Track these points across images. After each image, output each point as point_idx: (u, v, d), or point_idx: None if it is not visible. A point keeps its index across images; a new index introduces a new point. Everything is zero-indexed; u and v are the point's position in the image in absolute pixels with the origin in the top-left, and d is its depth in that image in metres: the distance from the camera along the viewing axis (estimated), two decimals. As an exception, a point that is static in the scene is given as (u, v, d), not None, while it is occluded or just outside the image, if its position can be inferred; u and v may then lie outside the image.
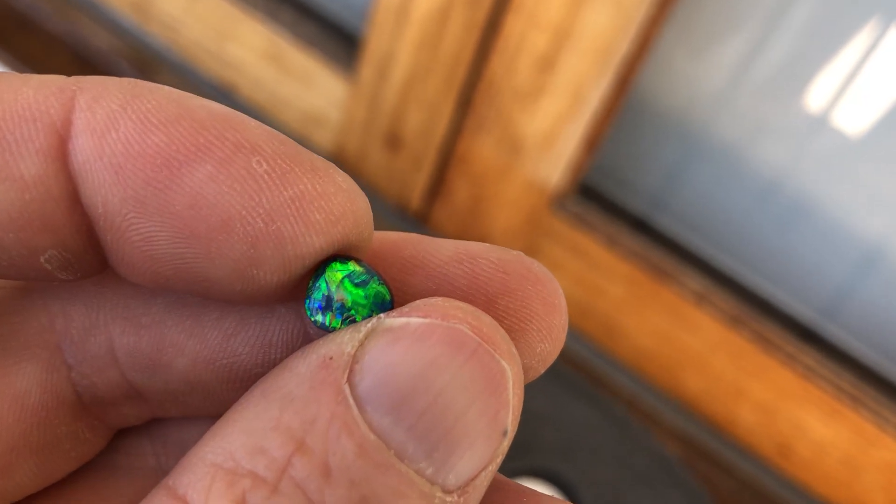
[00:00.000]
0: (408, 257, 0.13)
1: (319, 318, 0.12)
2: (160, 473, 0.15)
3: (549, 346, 0.13)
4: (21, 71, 0.59)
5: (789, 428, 0.52)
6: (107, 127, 0.11)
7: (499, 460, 0.12)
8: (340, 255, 0.13)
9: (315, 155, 0.12)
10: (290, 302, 0.13)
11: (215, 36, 0.61)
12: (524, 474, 0.42)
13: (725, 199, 0.53)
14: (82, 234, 0.12)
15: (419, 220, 0.60)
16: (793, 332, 0.51)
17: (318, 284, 0.12)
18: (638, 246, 0.52)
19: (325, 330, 0.12)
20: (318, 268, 0.13)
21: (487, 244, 0.13)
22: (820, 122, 0.49)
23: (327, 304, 0.12)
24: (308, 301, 0.13)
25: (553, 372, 0.49)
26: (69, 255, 0.12)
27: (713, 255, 0.54)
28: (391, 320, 0.11)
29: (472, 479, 0.11)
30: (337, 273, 0.12)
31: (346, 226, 0.12)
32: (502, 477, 0.14)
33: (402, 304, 0.13)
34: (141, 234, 0.12)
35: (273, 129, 0.12)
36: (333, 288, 0.12)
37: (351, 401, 0.11)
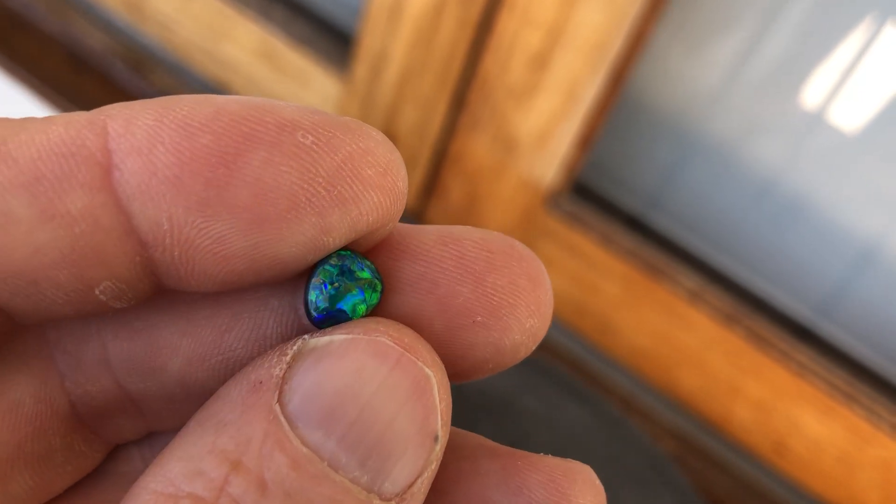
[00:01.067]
0: (394, 244, 0.14)
1: (315, 313, 0.13)
2: None
3: (538, 321, 0.13)
4: (15, 71, 0.59)
5: (784, 425, 0.52)
6: (150, 143, 0.11)
7: (434, 466, 0.12)
8: (336, 251, 0.13)
9: (347, 117, 0.12)
10: (284, 294, 0.14)
11: (209, 35, 0.60)
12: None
13: (720, 198, 0.53)
14: (136, 261, 0.12)
15: (414, 219, 0.60)
16: (787, 330, 0.51)
17: (315, 281, 0.13)
18: (633, 244, 0.52)
19: (322, 325, 0.13)
20: (317, 264, 0.13)
21: (469, 227, 0.14)
22: (815, 120, 0.49)
23: (326, 300, 0.13)
24: (307, 298, 0.13)
25: (545, 371, 0.49)
26: (123, 284, 0.12)
27: (708, 253, 0.54)
28: (315, 340, 0.12)
29: (410, 486, 0.12)
30: (330, 270, 0.13)
31: (393, 175, 0.12)
32: (492, 443, 0.14)
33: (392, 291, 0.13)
34: (212, 236, 0.12)
35: (304, 105, 0.12)
36: (329, 285, 0.13)
37: (282, 419, 0.11)
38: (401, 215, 0.13)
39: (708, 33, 0.49)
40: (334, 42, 0.58)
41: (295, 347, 0.12)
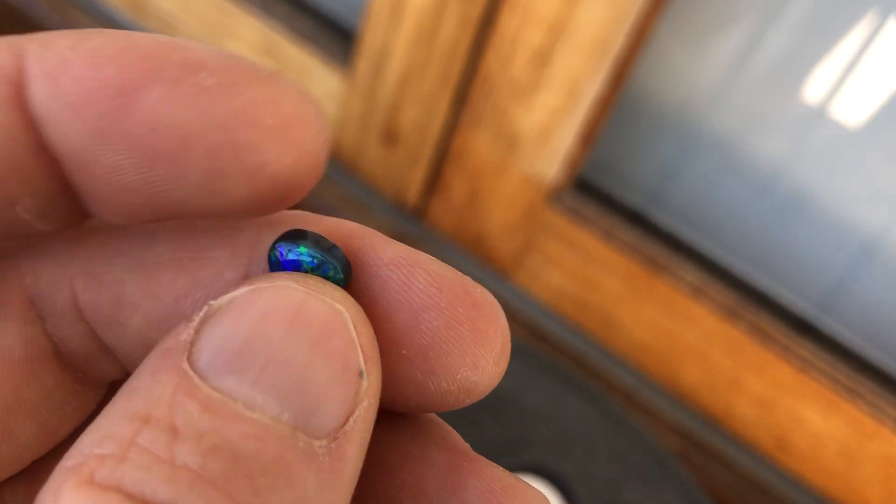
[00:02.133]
0: (353, 248, 0.13)
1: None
2: None
3: (474, 375, 0.13)
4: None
5: (786, 420, 0.52)
6: (59, 68, 0.12)
7: (366, 404, 0.12)
8: (301, 230, 0.13)
9: (263, 66, 0.12)
10: (240, 267, 0.14)
11: (211, 32, 0.60)
12: (519, 470, 0.42)
13: (722, 193, 0.53)
14: (54, 179, 0.12)
15: (416, 216, 0.60)
16: (790, 325, 0.51)
17: (273, 262, 0.13)
18: (634, 239, 0.52)
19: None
20: (278, 239, 0.13)
21: (437, 260, 0.13)
22: (817, 116, 0.49)
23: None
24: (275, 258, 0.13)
25: (547, 367, 0.49)
26: (45, 202, 0.12)
27: (710, 248, 0.54)
28: (219, 300, 0.12)
29: (341, 425, 0.11)
30: (291, 251, 0.13)
31: (300, 128, 0.12)
32: (454, 438, 0.14)
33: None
34: (106, 165, 0.12)
35: (221, 49, 0.12)
36: (289, 267, 0.13)
37: (192, 374, 0.11)
38: (317, 177, 0.13)
39: (710, 29, 0.49)
40: (336, 38, 0.58)
41: (201, 313, 0.12)
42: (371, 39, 0.53)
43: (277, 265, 0.13)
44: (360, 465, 0.12)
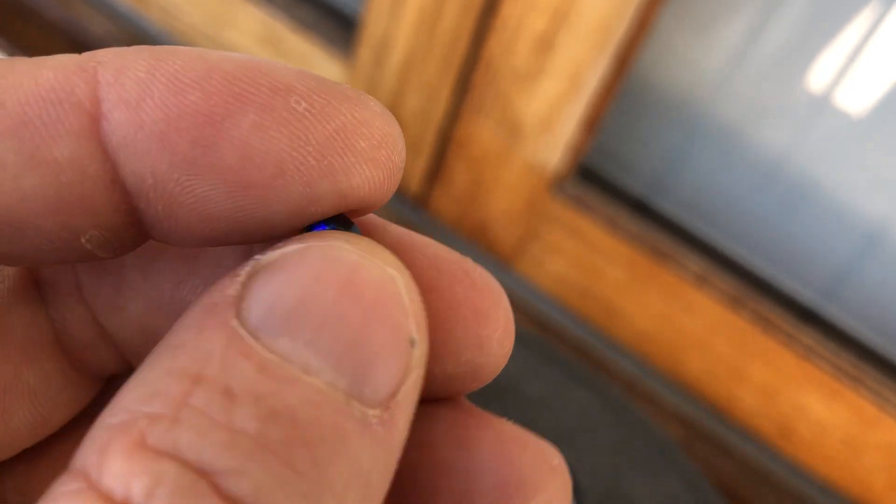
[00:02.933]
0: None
1: None
2: None
3: (479, 357, 0.13)
4: (17, 55, 0.59)
5: (790, 409, 0.52)
6: (140, 96, 0.11)
7: (415, 375, 0.11)
8: (333, 217, 0.13)
9: (345, 85, 0.12)
10: (240, 255, 0.13)
11: (213, 21, 0.60)
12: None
13: (726, 181, 0.53)
14: (122, 211, 0.12)
15: (418, 205, 0.59)
16: (793, 314, 0.51)
17: None
18: (638, 228, 0.52)
19: None
20: (314, 224, 0.13)
21: (433, 242, 0.13)
22: (822, 104, 0.48)
23: None
24: None
25: (550, 357, 0.49)
26: (110, 233, 0.12)
27: (714, 237, 0.54)
28: (268, 255, 0.11)
29: (394, 394, 0.11)
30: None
31: (388, 149, 0.12)
32: (468, 402, 0.14)
33: None
34: (196, 195, 0.11)
35: (298, 67, 0.12)
36: None
37: (243, 332, 0.10)
38: (393, 192, 0.13)
39: (714, 16, 0.49)
40: (338, 27, 0.57)
41: (248, 267, 0.11)
42: (372, 27, 0.53)
43: None
44: (406, 435, 0.11)
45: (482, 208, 0.57)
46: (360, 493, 0.10)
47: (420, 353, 0.11)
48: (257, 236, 0.12)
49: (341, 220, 0.13)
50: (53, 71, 0.11)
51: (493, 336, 0.13)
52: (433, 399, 0.14)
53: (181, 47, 0.12)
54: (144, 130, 0.11)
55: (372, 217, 0.14)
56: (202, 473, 0.09)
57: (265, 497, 0.09)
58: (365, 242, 0.12)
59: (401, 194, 0.59)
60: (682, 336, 0.53)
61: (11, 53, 0.60)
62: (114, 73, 0.11)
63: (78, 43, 0.63)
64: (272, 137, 0.11)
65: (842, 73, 0.47)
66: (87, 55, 0.12)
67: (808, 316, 0.52)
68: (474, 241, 0.59)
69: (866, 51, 0.46)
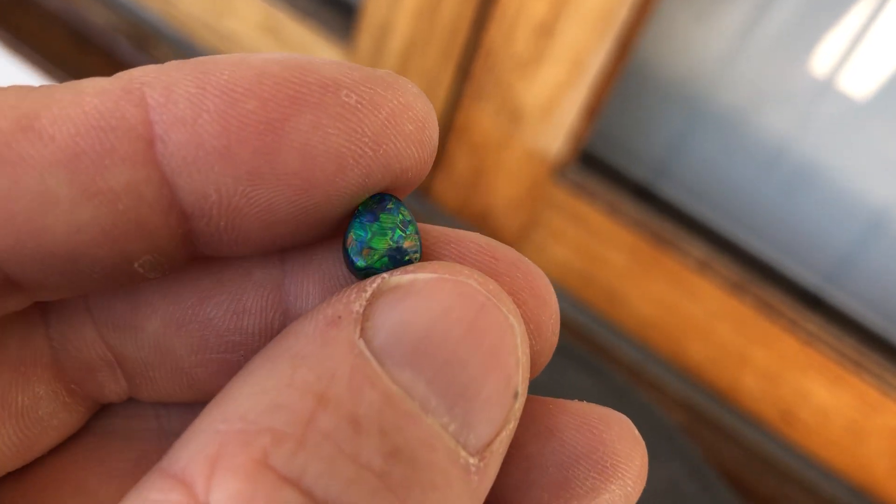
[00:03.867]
0: None
1: (360, 261, 0.12)
2: (162, 436, 0.14)
3: (537, 343, 0.13)
4: (18, 48, 0.59)
5: (792, 394, 0.52)
6: (195, 113, 0.11)
7: (512, 426, 0.11)
8: (386, 195, 0.13)
9: (382, 70, 0.12)
10: (268, 266, 0.13)
11: (212, 9, 0.60)
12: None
13: (728, 166, 0.53)
14: (177, 233, 0.12)
15: (420, 193, 0.59)
16: (796, 299, 0.51)
17: (363, 229, 0.12)
18: (640, 214, 0.51)
19: (361, 272, 0.12)
20: (368, 201, 0.13)
21: (478, 233, 0.13)
22: (825, 88, 0.48)
23: (368, 247, 0.12)
24: (350, 243, 0.12)
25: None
26: (163, 257, 0.12)
27: (716, 222, 0.54)
28: (398, 277, 0.11)
29: (491, 443, 0.11)
30: (391, 219, 0.13)
31: (430, 129, 0.12)
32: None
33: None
34: (260, 205, 0.11)
35: (338, 60, 0.12)
36: (386, 232, 0.12)
37: (368, 354, 0.10)
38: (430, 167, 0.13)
39: (715, 0, 0.49)
40: (337, 14, 0.57)
41: (375, 284, 0.11)
42: (372, 14, 0.53)
43: (369, 226, 0.12)
44: (493, 480, 0.11)
45: (484, 195, 0.57)
46: None
47: (519, 406, 0.11)
48: (313, 235, 0.12)
49: (391, 199, 0.13)
50: (99, 98, 0.11)
51: (550, 321, 0.13)
52: None
53: (220, 56, 0.11)
54: (205, 147, 0.11)
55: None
56: None
57: None
58: (492, 284, 0.11)
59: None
60: (685, 322, 0.53)
61: (10, 44, 0.60)
62: (163, 92, 0.11)
63: (77, 32, 0.62)
64: (330, 135, 0.11)
65: (845, 56, 0.47)
66: (126, 76, 0.11)
67: (811, 301, 0.52)
68: (476, 228, 0.58)
69: (869, 34, 0.46)
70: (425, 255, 0.13)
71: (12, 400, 0.13)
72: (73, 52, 0.61)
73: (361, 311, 0.11)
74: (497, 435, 0.11)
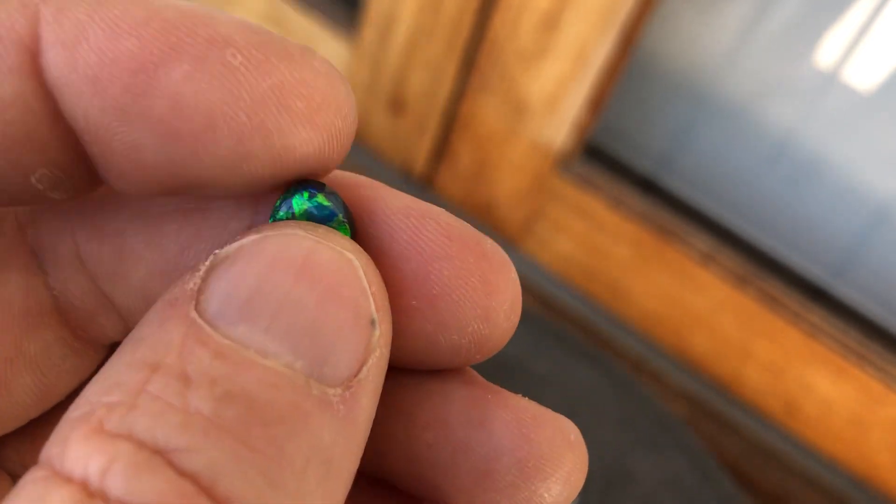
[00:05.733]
0: (361, 197, 0.13)
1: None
2: None
3: (485, 328, 0.13)
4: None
5: (796, 387, 0.52)
6: (77, 38, 0.11)
7: (378, 354, 0.11)
8: (311, 182, 0.13)
9: (291, 41, 0.12)
10: (245, 218, 0.13)
11: (216, 0, 0.60)
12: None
13: (733, 159, 0.53)
14: (70, 149, 0.12)
15: (424, 184, 0.59)
16: (800, 291, 0.51)
17: (282, 212, 0.12)
18: (644, 206, 0.51)
19: None
20: (288, 191, 0.13)
21: (444, 211, 0.13)
22: (830, 80, 0.48)
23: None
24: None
25: (555, 334, 0.49)
26: (60, 172, 0.12)
27: (721, 214, 0.54)
28: (226, 249, 0.11)
29: (356, 374, 0.11)
30: (304, 204, 0.12)
31: (330, 111, 0.12)
32: (472, 374, 0.14)
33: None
34: (125, 142, 0.11)
35: (245, 20, 0.12)
36: (297, 217, 0.12)
37: (201, 322, 0.11)
38: (342, 158, 0.13)
39: (720, -9, 0.49)
40: (342, 5, 0.57)
41: (207, 262, 0.11)
42: (377, 6, 0.53)
43: (284, 215, 0.12)
44: (373, 413, 0.11)
45: (488, 188, 0.57)
46: (321, 469, 0.10)
47: (382, 333, 0.11)
48: (195, 189, 0.12)
49: (312, 184, 0.13)
50: None
51: (501, 308, 0.13)
52: (437, 369, 0.14)
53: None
54: (78, 73, 0.11)
55: (379, 184, 0.13)
56: (157, 451, 0.10)
57: (221, 472, 0.10)
58: (322, 230, 0.12)
59: (406, 174, 0.59)
60: (689, 314, 0.53)
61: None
62: (54, 12, 0.11)
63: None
64: (203, 90, 0.11)
65: (850, 49, 0.46)
66: None
67: (814, 294, 0.52)
68: (480, 220, 0.59)
69: (875, 26, 0.45)
70: (383, 223, 0.13)
71: (26, 349, 0.13)
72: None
73: (196, 288, 0.11)
74: (362, 364, 0.11)
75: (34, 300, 0.13)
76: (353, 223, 0.13)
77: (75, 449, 0.10)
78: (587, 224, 0.54)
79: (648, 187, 0.55)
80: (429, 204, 0.13)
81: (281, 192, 0.13)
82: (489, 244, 0.13)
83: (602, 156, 0.55)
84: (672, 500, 0.43)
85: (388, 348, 0.12)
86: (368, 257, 0.12)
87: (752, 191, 0.53)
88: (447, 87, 0.54)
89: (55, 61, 0.11)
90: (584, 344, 0.49)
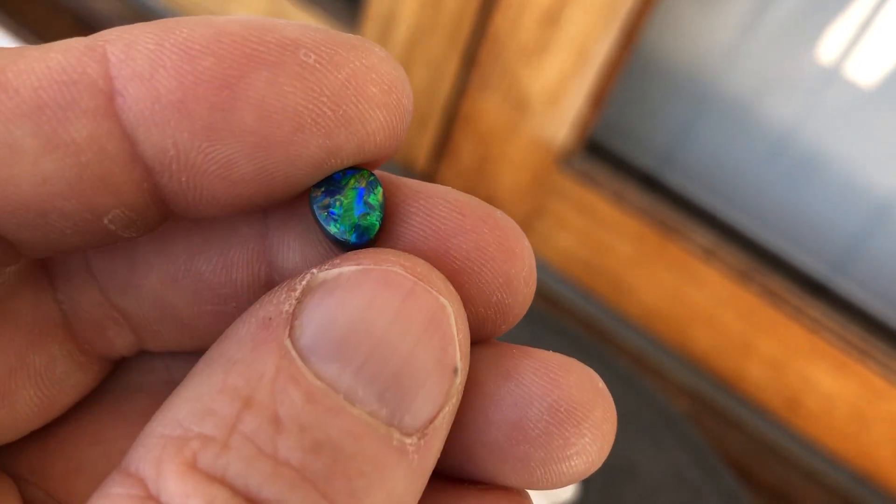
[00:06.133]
0: None
1: (333, 227, 0.13)
2: (171, 385, 0.15)
3: (508, 297, 0.13)
4: (25, 36, 0.59)
5: (798, 382, 0.52)
6: (152, 68, 0.11)
7: (455, 400, 0.12)
8: (355, 168, 0.13)
9: (350, 34, 0.12)
10: (254, 222, 0.14)
11: (218, -3, 0.60)
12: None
13: (735, 154, 0.53)
14: (144, 190, 0.12)
15: (425, 180, 0.59)
16: (802, 287, 0.51)
17: (339, 197, 0.13)
18: (646, 202, 0.51)
19: (337, 241, 0.13)
20: (333, 180, 0.13)
21: (451, 188, 0.13)
22: (831, 76, 0.48)
23: (344, 216, 0.12)
24: (322, 210, 0.13)
25: (556, 329, 0.49)
26: (132, 213, 0.12)
27: (722, 210, 0.54)
28: (324, 273, 0.12)
29: (431, 421, 0.11)
30: (362, 185, 0.13)
31: (398, 92, 0.12)
32: (502, 343, 0.14)
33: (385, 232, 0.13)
34: (219, 161, 0.11)
35: (302, 22, 0.12)
36: (359, 201, 0.13)
37: (294, 354, 0.11)
38: (404, 137, 0.13)
39: (722, -13, 0.49)
40: (343, 2, 0.57)
41: (304, 282, 0.11)
42: (378, 2, 0.53)
43: (324, 210, 0.13)
44: (438, 456, 0.12)
45: (489, 183, 0.57)
46: None
47: (461, 381, 0.12)
48: (279, 196, 0.12)
49: (363, 173, 0.13)
50: (62, 54, 0.11)
51: (521, 274, 0.13)
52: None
53: (185, 17, 0.12)
54: (161, 102, 0.11)
55: (382, 173, 0.14)
56: (249, 500, 0.10)
57: None
58: (420, 266, 0.12)
59: (408, 170, 0.59)
60: (690, 310, 0.53)
61: (18, 33, 0.60)
62: (123, 48, 0.11)
63: (84, 22, 0.62)
64: (287, 93, 0.11)
65: (852, 44, 0.46)
66: (93, 36, 0.12)
67: (816, 289, 0.52)
68: (482, 216, 0.58)
69: (876, 22, 0.45)
70: (394, 211, 0.13)
71: (30, 362, 0.13)
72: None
73: (291, 310, 0.11)
74: (439, 411, 0.11)
75: (42, 313, 0.13)
76: (383, 206, 0.13)
77: (174, 483, 0.10)
78: (588, 220, 0.54)
79: (650, 183, 0.55)
80: (435, 185, 0.13)
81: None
82: (500, 215, 0.13)
83: (603, 152, 0.55)
84: (674, 495, 0.43)
85: (462, 393, 0.12)
86: (460, 301, 0.12)
87: (753, 187, 0.53)
88: (448, 83, 0.54)
89: (135, 96, 0.11)
90: (585, 340, 0.49)
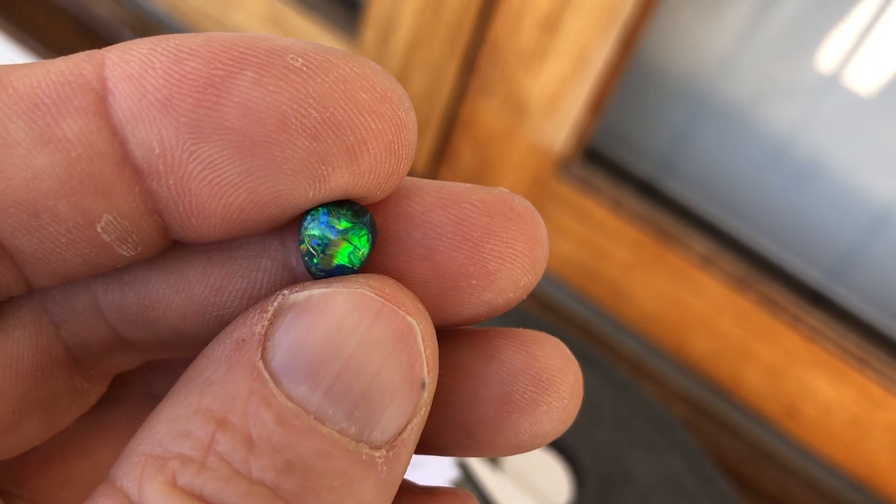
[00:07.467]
0: (392, 205, 0.13)
1: (315, 260, 0.13)
2: (151, 398, 0.16)
3: (532, 278, 0.14)
4: (24, 40, 0.59)
5: (796, 389, 0.52)
6: (142, 69, 0.11)
7: (423, 413, 0.12)
8: (336, 202, 0.13)
9: (344, 49, 0.12)
10: (277, 254, 0.14)
11: (217, 2, 0.60)
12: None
13: (733, 161, 0.53)
14: (134, 193, 0.12)
15: (425, 186, 0.60)
16: (800, 295, 0.51)
17: (312, 230, 0.13)
18: (644, 209, 0.51)
19: (318, 272, 0.13)
20: (312, 211, 0.13)
21: (469, 185, 0.14)
22: (829, 82, 0.48)
23: (322, 248, 0.13)
24: (305, 245, 0.13)
25: (552, 334, 0.49)
26: (126, 221, 0.12)
27: (720, 217, 0.54)
28: (295, 295, 0.12)
29: (399, 433, 0.12)
30: (340, 220, 0.13)
31: (392, 103, 0.12)
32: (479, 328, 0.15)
33: (381, 257, 0.13)
34: (203, 161, 0.12)
35: (298, 38, 0.12)
36: (318, 243, 0.13)
37: (266, 376, 0.11)
38: (410, 164, 0.13)
39: (720, -6, 0.49)
40: (343, 8, 0.57)
41: (276, 304, 0.12)
42: (377, 8, 0.53)
43: (311, 236, 0.13)
44: (408, 464, 0.12)
45: (488, 189, 0.57)
46: None
47: (428, 395, 0.12)
48: (275, 211, 0.12)
49: (352, 206, 0.13)
50: (65, 61, 0.12)
51: (542, 255, 0.14)
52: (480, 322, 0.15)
53: (184, 34, 0.12)
54: (148, 98, 0.11)
55: (411, 179, 0.14)
56: None
57: None
58: (389, 286, 0.12)
59: (408, 174, 0.59)
60: (688, 317, 0.53)
61: (18, 36, 0.60)
62: (119, 54, 0.12)
63: (84, 25, 0.63)
64: (272, 92, 0.11)
65: (851, 51, 0.47)
66: (100, 49, 0.12)
67: (814, 297, 0.52)
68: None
69: (874, 30, 0.46)
70: (423, 220, 0.13)
71: (34, 399, 0.14)
72: (79, 44, 0.62)
73: (263, 332, 0.12)
74: (407, 424, 0.12)
75: (44, 356, 0.14)
76: (375, 229, 0.13)
77: (156, 501, 0.10)
78: (587, 226, 0.54)
79: (648, 190, 0.55)
80: (453, 183, 0.14)
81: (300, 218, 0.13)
82: (517, 202, 0.14)
83: (602, 158, 0.55)
84: (669, 501, 0.43)
85: (430, 404, 0.12)
86: (428, 318, 0.12)
87: (751, 194, 0.53)
88: (448, 88, 0.54)
89: (124, 93, 0.11)
90: (583, 346, 0.49)
